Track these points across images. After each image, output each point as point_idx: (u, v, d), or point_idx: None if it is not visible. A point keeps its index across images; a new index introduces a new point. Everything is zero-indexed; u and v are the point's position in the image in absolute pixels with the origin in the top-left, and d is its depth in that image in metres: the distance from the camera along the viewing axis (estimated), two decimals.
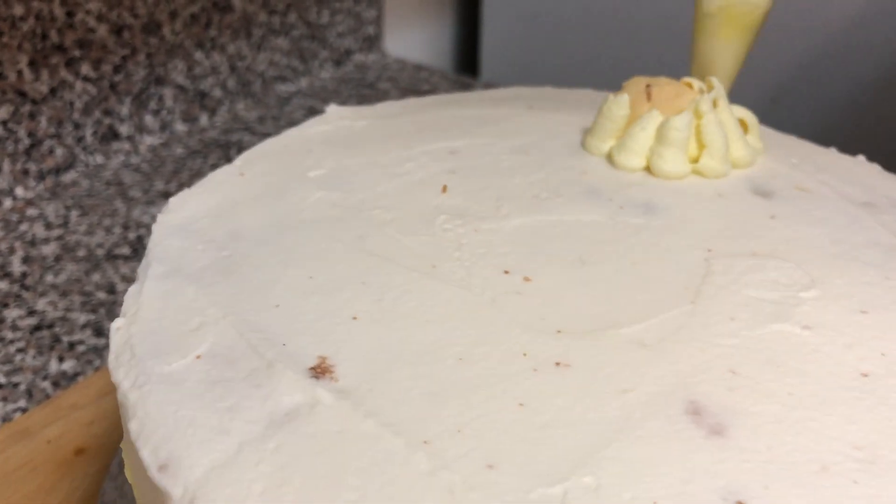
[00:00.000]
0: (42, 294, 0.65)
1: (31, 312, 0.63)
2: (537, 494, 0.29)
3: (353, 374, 0.34)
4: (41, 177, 0.78)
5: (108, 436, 0.52)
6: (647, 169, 0.49)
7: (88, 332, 0.61)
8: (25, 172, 0.76)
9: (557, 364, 0.35)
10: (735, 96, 0.51)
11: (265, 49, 0.95)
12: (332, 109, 0.56)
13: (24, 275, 0.67)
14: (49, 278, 0.66)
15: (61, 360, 0.59)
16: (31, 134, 0.75)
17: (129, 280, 0.66)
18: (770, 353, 0.36)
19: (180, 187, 0.77)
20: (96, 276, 0.67)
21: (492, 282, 0.39)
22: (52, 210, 0.75)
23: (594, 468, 0.30)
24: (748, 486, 0.30)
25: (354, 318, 0.37)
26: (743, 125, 0.51)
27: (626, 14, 1.03)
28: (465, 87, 1.03)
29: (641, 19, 1.01)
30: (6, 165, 0.74)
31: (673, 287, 0.40)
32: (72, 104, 0.78)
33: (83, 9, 0.76)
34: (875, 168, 0.52)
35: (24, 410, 0.55)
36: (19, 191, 0.76)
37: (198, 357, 0.35)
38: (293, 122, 0.89)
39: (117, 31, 0.79)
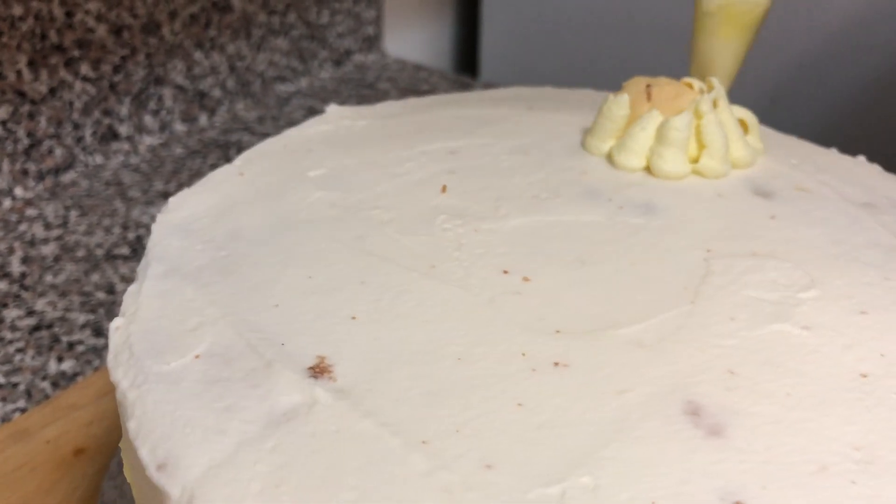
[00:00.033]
0: (41, 294, 0.65)
1: (31, 312, 0.63)
2: (535, 494, 0.29)
3: (352, 373, 0.34)
4: (40, 177, 0.77)
5: (108, 436, 0.52)
6: (647, 169, 0.49)
7: (87, 332, 0.61)
8: (25, 172, 0.76)
9: (556, 364, 0.35)
10: (735, 96, 0.51)
11: (265, 49, 0.95)
12: (332, 109, 0.56)
13: (23, 275, 0.67)
14: (48, 278, 0.66)
15: (60, 360, 0.59)
16: (30, 134, 0.75)
17: (129, 280, 0.66)
18: (769, 353, 0.36)
19: (180, 187, 0.76)
20: (95, 277, 0.67)
21: (491, 282, 0.39)
22: (51, 210, 0.75)
23: (592, 468, 0.30)
24: (746, 486, 0.30)
25: (353, 318, 0.37)
26: (743, 125, 0.51)
27: (625, 14, 1.03)
28: (465, 88, 1.03)
29: (641, 19, 1.01)
30: (5, 165, 0.74)
31: (672, 287, 0.40)
32: (71, 104, 0.78)
33: (82, 9, 0.76)
34: (875, 168, 0.51)
35: (23, 411, 0.54)
36: (18, 191, 0.76)
37: (196, 357, 0.35)
38: (293, 123, 0.89)
39: (117, 31, 0.79)
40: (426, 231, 0.43)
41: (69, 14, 0.75)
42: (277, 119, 0.93)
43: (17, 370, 0.57)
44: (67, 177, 0.80)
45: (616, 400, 0.33)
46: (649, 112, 0.48)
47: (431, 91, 1.02)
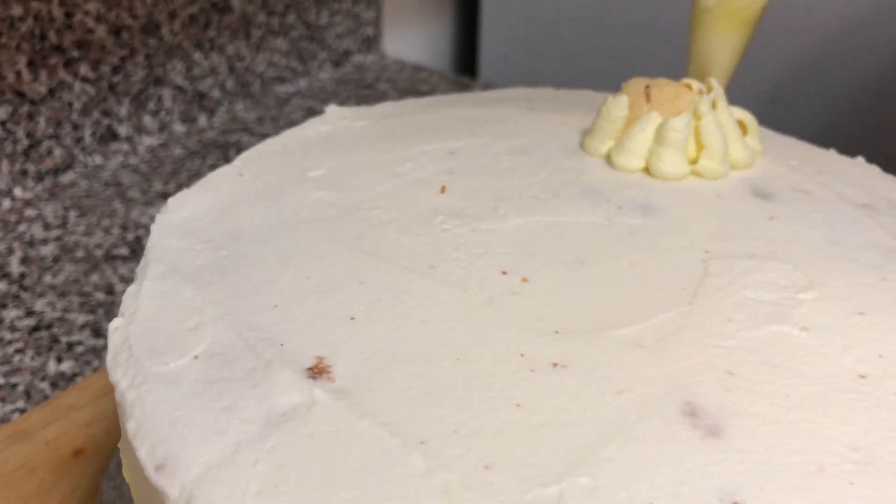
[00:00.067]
0: (40, 295, 0.65)
1: (30, 313, 0.63)
2: (534, 495, 0.29)
3: (351, 374, 0.34)
4: (40, 177, 0.77)
5: (107, 436, 0.52)
6: (646, 170, 0.49)
7: (87, 332, 0.61)
8: (24, 173, 0.76)
9: (554, 365, 0.35)
10: (734, 97, 0.51)
11: (264, 50, 0.95)
12: (331, 110, 0.56)
13: (22, 275, 0.67)
14: (47, 279, 0.66)
15: (60, 360, 0.59)
16: (29, 134, 0.75)
17: (128, 281, 0.66)
18: (767, 354, 0.36)
19: (179, 188, 0.76)
20: (95, 277, 0.67)
21: (489, 282, 0.39)
22: (50, 211, 0.75)
23: (591, 469, 0.30)
24: (745, 487, 0.30)
25: (352, 319, 0.37)
26: (742, 126, 0.51)
27: (625, 15, 1.03)
28: (464, 88, 1.03)
29: (641, 20, 1.01)
30: (5, 166, 0.74)
31: (670, 288, 0.40)
32: (70, 105, 0.78)
33: (82, 9, 0.76)
34: (874, 169, 0.52)
35: (22, 411, 0.54)
36: (18, 191, 0.76)
37: (195, 357, 0.35)
38: (292, 123, 0.89)
39: (116, 31, 0.79)
40: (425, 231, 0.43)
41: (68, 15, 0.75)
42: (277, 120, 0.94)
43: (17, 371, 0.57)
44: (66, 177, 0.80)
45: (615, 400, 0.33)
46: (648, 113, 0.48)
47: (431, 92, 1.02)
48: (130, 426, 0.32)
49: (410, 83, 1.04)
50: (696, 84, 0.50)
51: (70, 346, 0.60)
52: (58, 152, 0.78)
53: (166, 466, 0.30)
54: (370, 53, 1.10)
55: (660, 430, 0.32)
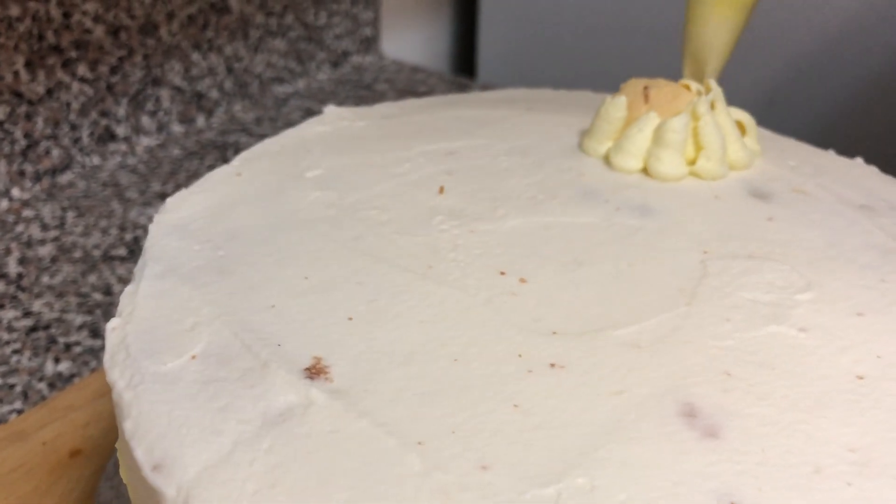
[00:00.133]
0: (38, 295, 0.65)
1: (27, 314, 0.63)
2: (531, 495, 0.29)
3: (348, 374, 0.34)
4: (37, 178, 0.77)
5: (104, 437, 0.51)
6: (644, 171, 0.49)
7: (84, 333, 0.61)
8: (22, 173, 0.76)
9: (552, 365, 0.35)
10: (733, 98, 0.51)
11: (262, 50, 0.95)
12: (330, 110, 0.56)
13: (20, 276, 0.67)
14: (45, 279, 0.66)
15: (57, 361, 0.59)
16: (27, 135, 0.75)
17: (126, 281, 0.66)
18: (765, 355, 0.36)
19: (177, 188, 0.76)
20: (92, 278, 0.67)
21: (487, 283, 0.39)
22: (48, 211, 0.75)
23: (588, 469, 0.30)
24: (742, 488, 0.30)
25: (349, 319, 0.37)
26: (741, 127, 0.51)
27: (623, 16, 1.03)
28: (462, 89, 1.03)
29: (639, 21, 1.01)
30: (2, 166, 0.74)
31: (668, 289, 0.39)
32: (68, 105, 0.78)
33: (80, 10, 0.76)
34: (873, 170, 0.51)
35: (19, 412, 0.54)
36: (15, 192, 0.76)
37: (193, 357, 0.35)
38: (290, 124, 0.89)
39: (114, 32, 0.79)
40: (423, 232, 0.43)
41: (66, 15, 0.75)
42: (275, 120, 0.93)
43: (14, 371, 0.57)
44: (64, 178, 0.79)
45: (612, 401, 0.33)
46: (647, 114, 0.48)
47: (429, 92, 1.02)
48: (127, 426, 0.32)
49: (409, 84, 1.04)
50: (694, 85, 0.50)
51: (68, 346, 0.60)
52: (56, 153, 0.78)
53: (163, 466, 0.30)
54: (368, 54, 1.10)
55: (657, 430, 0.32)
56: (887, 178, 0.51)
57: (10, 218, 0.74)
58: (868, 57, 0.89)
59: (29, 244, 0.70)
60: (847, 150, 0.54)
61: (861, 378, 0.35)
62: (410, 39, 1.19)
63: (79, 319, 0.62)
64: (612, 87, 0.52)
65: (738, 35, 0.51)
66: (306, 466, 0.30)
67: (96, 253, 0.70)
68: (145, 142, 0.86)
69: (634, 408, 0.33)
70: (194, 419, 0.32)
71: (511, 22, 1.14)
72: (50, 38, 0.74)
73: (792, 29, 0.92)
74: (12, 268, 0.67)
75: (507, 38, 1.15)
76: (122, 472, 0.35)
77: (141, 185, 0.80)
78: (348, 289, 0.39)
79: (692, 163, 0.49)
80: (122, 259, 0.69)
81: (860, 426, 0.32)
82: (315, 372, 0.34)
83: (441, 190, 0.46)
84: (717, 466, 0.30)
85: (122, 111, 0.83)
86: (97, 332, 0.61)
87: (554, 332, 0.36)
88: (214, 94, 0.92)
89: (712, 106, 0.49)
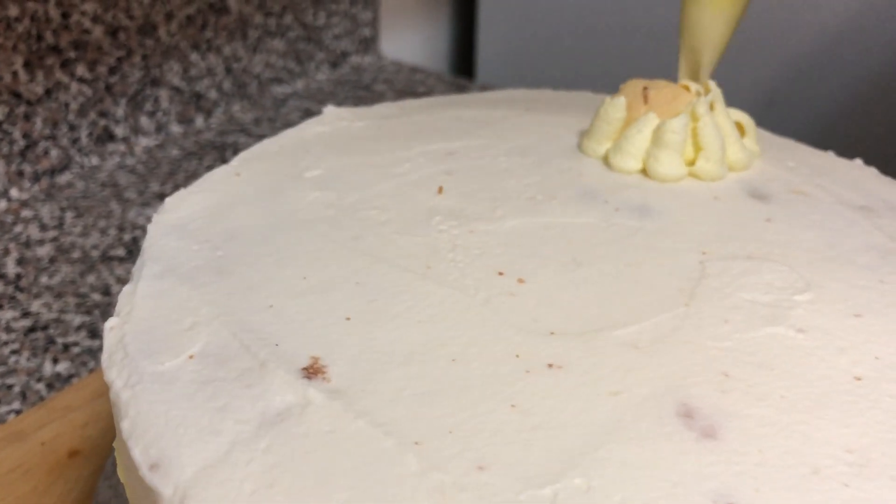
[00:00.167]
0: (36, 296, 0.65)
1: (26, 314, 0.63)
2: (528, 496, 0.29)
3: (346, 374, 0.34)
4: (36, 178, 0.77)
5: (102, 438, 0.51)
6: (644, 171, 0.49)
7: (83, 333, 0.61)
8: (20, 174, 0.76)
9: (550, 366, 0.35)
10: (732, 99, 0.51)
11: (261, 51, 0.95)
12: (330, 110, 0.56)
13: (18, 276, 0.67)
14: (44, 280, 0.66)
15: (55, 361, 0.59)
16: (26, 135, 0.75)
17: (124, 282, 0.66)
18: (763, 356, 0.36)
19: (175, 189, 0.76)
20: (91, 278, 0.67)
21: (486, 283, 0.39)
22: (46, 211, 0.75)
23: (585, 470, 0.30)
24: (739, 488, 0.30)
25: (348, 319, 0.37)
26: (740, 128, 0.51)
27: (623, 16, 1.03)
28: (461, 90, 1.03)
29: (639, 22, 1.01)
30: (1, 167, 0.74)
31: (667, 289, 0.39)
32: (67, 105, 0.78)
33: (78, 10, 0.76)
34: (872, 171, 0.51)
35: (17, 412, 0.54)
36: (14, 192, 0.76)
37: (190, 357, 0.35)
38: (289, 124, 0.89)
39: (113, 32, 0.79)
40: (422, 232, 0.43)
41: (65, 15, 0.75)
42: (274, 121, 0.93)
43: (12, 372, 0.57)
44: (63, 178, 0.79)
45: (610, 401, 0.33)
46: (646, 114, 0.48)
47: (428, 93, 1.02)
48: (125, 426, 0.32)
49: (407, 84, 1.04)
50: (693, 86, 0.50)
51: (66, 347, 0.60)
52: (54, 153, 0.78)
53: (160, 466, 0.30)
54: (367, 55, 1.10)
55: (655, 431, 0.32)
56: (887, 180, 0.51)
57: (9, 218, 0.74)
58: (868, 57, 0.89)
59: (27, 244, 0.70)
60: (846, 151, 0.54)
61: (859, 379, 0.35)
62: (409, 40, 1.19)
63: (77, 320, 0.62)
64: (612, 87, 0.52)
65: (734, 27, 0.51)
66: (304, 466, 0.30)
67: (95, 253, 0.70)
68: (144, 142, 0.86)
69: (632, 408, 0.33)
70: (192, 419, 0.32)
71: (510, 22, 1.14)
72: (49, 38, 0.74)
73: (791, 29, 0.92)
74: (11, 268, 0.67)
75: (506, 39, 1.15)
76: (120, 472, 0.35)
77: (139, 186, 0.80)
78: (347, 289, 0.39)
79: (691, 164, 0.48)
80: (121, 259, 0.69)
81: (858, 427, 0.32)
82: (313, 372, 0.34)
83: (440, 190, 0.46)
84: (715, 467, 0.30)
85: (120, 111, 0.83)
86: (95, 333, 0.61)
87: (552, 333, 0.36)
88: (213, 94, 0.92)
89: (711, 107, 0.49)
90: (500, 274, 0.40)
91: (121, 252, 0.70)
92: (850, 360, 0.36)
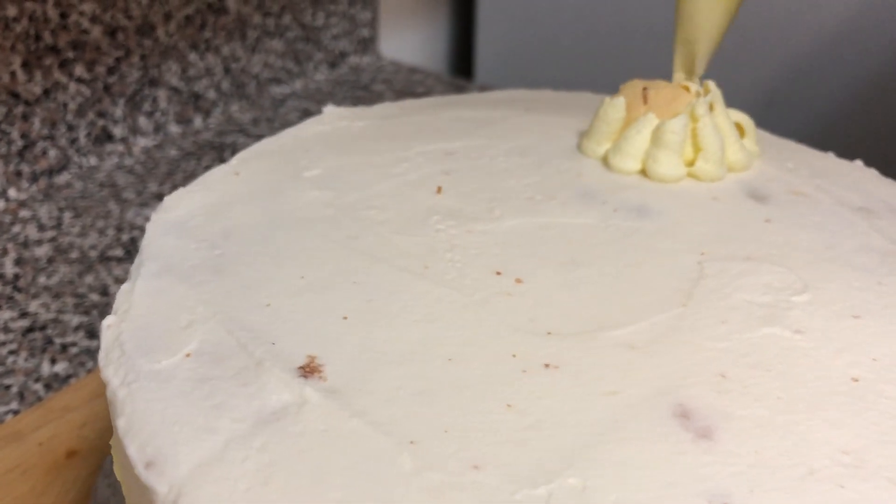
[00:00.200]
0: (34, 296, 0.65)
1: (24, 314, 0.63)
2: (522, 496, 0.29)
3: (342, 373, 0.34)
4: (34, 178, 0.77)
5: (100, 438, 0.51)
6: (643, 172, 0.49)
7: (81, 334, 0.61)
8: (18, 174, 0.76)
9: (546, 365, 0.35)
10: (731, 100, 0.51)
11: (260, 51, 0.95)
12: (329, 110, 0.56)
13: (16, 276, 0.67)
14: (42, 280, 0.66)
15: (53, 362, 0.58)
16: (24, 135, 0.75)
17: (122, 282, 0.66)
18: (760, 356, 0.36)
19: (174, 189, 0.76)
20: (89, 278, 0.67)
21: (483, 283, 0.39)
22: (45, 212, 0.75)
23: (580, 470, 0.30)
24: (734, 489, 0.29)
25: (344, 318, 0.37)
26: (739, 129, 0.51)
27: (622, 17, 1.03)
28: (460, 90, 1.03)
29: (638, 22, 1.01)
30: None
31: (665, 290, 0.39)
32: (65, 105, 0.78)
33: (77, 10, 0.76)
34: (872, 173, 0.51)
35: (15, 413, 0.54)
36: (12, 192, 0.76)
37: (187, 355, 0.35)
38: (287, 124, 0.89)
39: (111, 32, 0.79)
40: (420, 232, 0.43)
41: (63, 15, 0.75)
42: (272, 121, 0.93)
43: (10, 372, 0.57)
44: (61, 178, 0.79)
45: (606, 402, 0.33)
46: (645, 115, 0.48)
47: (427, 93, 1.02)
48: (121, 423, 0.32)
49: (406, 85, 1.04)
50: (693, 86, 0.50)
51: (64, 347, 0.60)
52: (52, 153, 0.78)
53: (156, 464, 0.30)
54: (366, 55, 1.10)
55: (651, 431, 0.32)
56: (887, 181, 0.51)
57: (7, 218, 0.74)
58: (868, 57, 0.89)
59: (25, 245, 0.70)
60: (846, 152, 0.54)
61: (856, 380, 0.35)
62: (408, 40, 1.19)
63: (75, 320, 0.62)
64: (611, 88, 0.52)
65: (730, 19, 0.51)
66: (299, 465, 0.30)
67: (93, 254, 0.70)
68: (142, 142, 0.86)
69: (629, 408, 0.33)
70: (187, 417, 0.32)
71: (509, 23, 1.14)
72: (47, 38, 0.74)
73: (791, 30, 0.92)
74: (9, 268, 0.67)
75: (505, 39, 1.15)
76: (116, 470, 0.35)
77: (138, 186, 0.80)
78: (344, 288, 0.39)
79: (690, 164, 0.48)
80: (119, 260, 0.69)
81: (854, 428, 0.32)
82: (309, 371, 0.34)
83: (439, 190, 0.46)
84: (711, 467, 0.30)
85: (119, 112, 0.83)
86: (93, 333, 0.61)
87: (549, 333, 0.36)
88: (212, 94, 0.92)
89: (711, 107, 0.49)
90: (498, 274, 0.40)
91: (119, 252, 0.70)
92: (847, 362, 0.36)
